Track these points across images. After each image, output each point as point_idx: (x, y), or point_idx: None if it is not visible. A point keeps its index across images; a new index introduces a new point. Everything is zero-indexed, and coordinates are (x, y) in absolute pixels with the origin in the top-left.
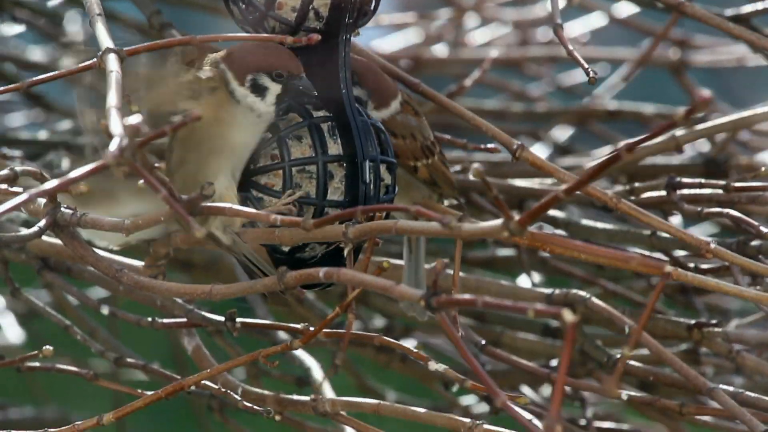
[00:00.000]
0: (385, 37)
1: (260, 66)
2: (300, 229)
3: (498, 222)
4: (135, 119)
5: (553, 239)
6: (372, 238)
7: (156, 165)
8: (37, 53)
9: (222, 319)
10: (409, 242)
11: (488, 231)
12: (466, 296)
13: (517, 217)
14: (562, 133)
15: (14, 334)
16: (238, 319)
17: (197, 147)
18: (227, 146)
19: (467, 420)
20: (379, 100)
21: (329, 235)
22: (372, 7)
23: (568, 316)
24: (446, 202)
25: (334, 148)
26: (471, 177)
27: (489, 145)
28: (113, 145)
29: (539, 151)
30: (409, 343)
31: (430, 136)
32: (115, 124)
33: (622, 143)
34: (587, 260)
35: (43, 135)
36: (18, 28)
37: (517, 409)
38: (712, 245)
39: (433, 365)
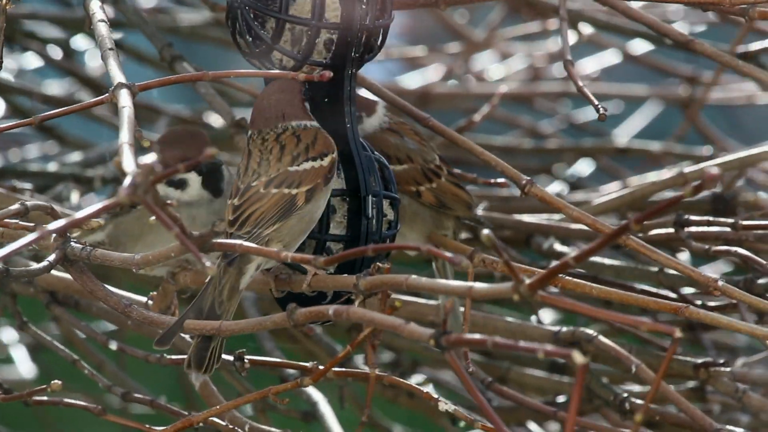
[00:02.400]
0: (396, 74)
1: (171, 161)
2: (311, 266)
3: (508, 285)
4: (149, 157)
5: (563, 302)
6: (384, 291)
7: (168, 202)
8: (53, 87)
9: (230, 358)
10: (438, 272)
11: (498, 293)
12: (476, 336)
13: (527, 281)
14: (574, 169)
15: (26, 367)
16: (247, 357)
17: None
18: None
19: None
20: (368, 110)
21: (340, 285)
22: (378, 42)
23: (579, 358)
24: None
25: (338, 182)
26: (479, 212)
27: (498, 180)
28: (126, 182)
29: (551, 186)
30: (417, 378)
31: (435, 160)
32: (128, 161)
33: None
34: (596, 296)
35: (52, 167)
36: (35, 62)
37: None
38: (720, 283)
39: (443, 405)
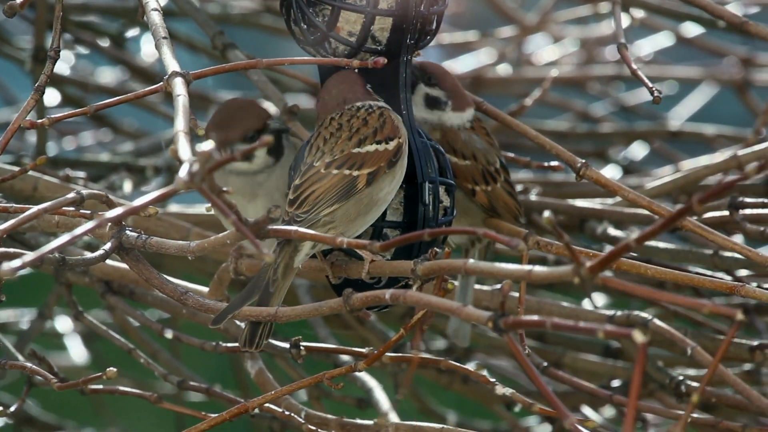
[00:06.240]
0: (449, 58)
1: (232, 137)
2: (366, 251)
3: (568, 268)
4: (207, 145)
5: (624, 285)
6: (441, 276)
7: (224, 189)
8: (104, 76)
9: (287, 345)
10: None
11: (558, 276)
12: (535, 317)
13: (588, 264)
14: (627, 153)
15: (78, 353)
16: (302, 344)
17: None
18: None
19: None
20: (457, 103)
21: (398, 270)
22: (433, 29)
23: (639, 337)
24: None
25: None
26: (532, 198)
27: (552, 163)
28: (183, 170)
29: (604, 170)
30: (470, 365)
31: (496, 162)
32: (184, 149)
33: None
34: (651, 277)
35: (105, 157)
36: (84, 51)
37: (583, 430)
38: None
39: (500, 389)
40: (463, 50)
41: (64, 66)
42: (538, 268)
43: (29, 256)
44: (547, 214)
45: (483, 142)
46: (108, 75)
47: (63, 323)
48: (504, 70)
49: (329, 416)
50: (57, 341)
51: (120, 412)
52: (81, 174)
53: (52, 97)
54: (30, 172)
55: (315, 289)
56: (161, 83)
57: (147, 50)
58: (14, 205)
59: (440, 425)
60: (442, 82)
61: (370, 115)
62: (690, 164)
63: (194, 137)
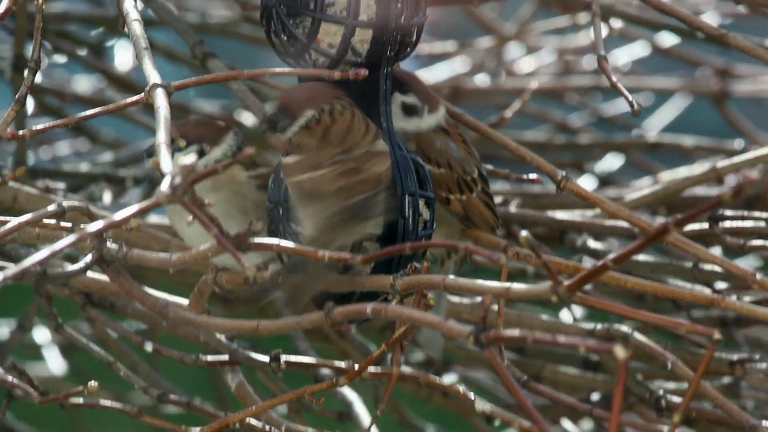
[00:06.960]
0: (427, 67)
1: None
2: (348, 263)
3: (546, 286)
4: (190, 159)
5: (600, 303)
6: (420, 291)
7: (206, 202)
8: (81, 84)
9: (266, 358)
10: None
11: (536, 295)
12: (516, 332)
13: (566, 282)
14: (604, 164)
15: (56, 364)
16: (283, 357)
17: None
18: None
19: None
20: (431, 105)
21: (377, 285)
22: (413, 40)
23: (620, 353)
24: None
25: None
26: (512, 209)
27: (531, 176)
28: (165, 183)
29: (583, 182)
30: (450, 377)
31: (473, 172)
32: (166, 162)
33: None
34: (631, 289)
35: (84, 167)
36: (61, 59)
37: None
38: (758, 276)
39: (480, 405)
40: (442, 60)
41: (39, 74)
42: (516, 286)
43: (11, 269)
44: (524, 233)
45: (461, 151)
46: (84, 83)
47: (41, 334)
48: (482, 80)
49: (309, 430)
50: (34, 351)
51: (97, 424)
52: (61, 185)
53: (27, 105)
54: (10, 183)
55: None
56: (142, 94)
57: (122, 58)
58: None
59: None
60: (416, 89)
61: (354, 119)
62: (669, 175)
63: (175, 149)
